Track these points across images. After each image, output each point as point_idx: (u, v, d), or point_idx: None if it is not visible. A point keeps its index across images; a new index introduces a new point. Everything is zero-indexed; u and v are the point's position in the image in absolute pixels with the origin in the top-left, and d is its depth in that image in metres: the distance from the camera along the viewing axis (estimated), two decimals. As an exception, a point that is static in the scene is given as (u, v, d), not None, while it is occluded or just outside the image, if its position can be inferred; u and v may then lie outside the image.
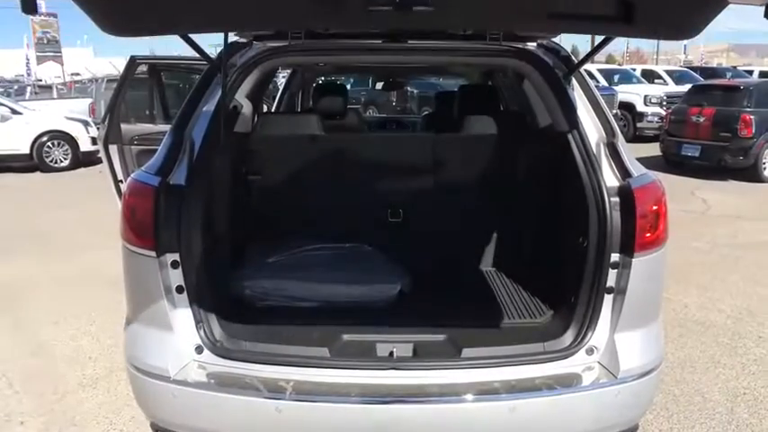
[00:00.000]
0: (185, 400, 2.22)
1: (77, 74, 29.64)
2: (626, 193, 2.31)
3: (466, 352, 2.32)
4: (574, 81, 2.60)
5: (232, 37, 2.51)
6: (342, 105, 4.16)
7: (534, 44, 2.71)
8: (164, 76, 5.73)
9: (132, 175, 2.43)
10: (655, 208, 2.30)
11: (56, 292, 5.21)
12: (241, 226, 2.97)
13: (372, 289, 2.70)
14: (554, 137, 2.68)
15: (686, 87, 13.55)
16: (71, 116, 12.94)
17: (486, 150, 3.10)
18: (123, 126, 5.13)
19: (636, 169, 2.39)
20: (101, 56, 45.64)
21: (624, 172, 2.38)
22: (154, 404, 2.32)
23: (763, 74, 20.63)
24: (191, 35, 2.25)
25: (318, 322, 2.58)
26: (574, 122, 2.51)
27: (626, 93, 15.39)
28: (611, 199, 2.32)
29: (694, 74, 18.73)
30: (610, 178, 2.38)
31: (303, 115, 3.05)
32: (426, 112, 5.60)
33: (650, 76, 18.24)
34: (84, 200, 8.99)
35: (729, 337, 4.33)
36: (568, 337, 2.36)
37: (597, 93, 2.62)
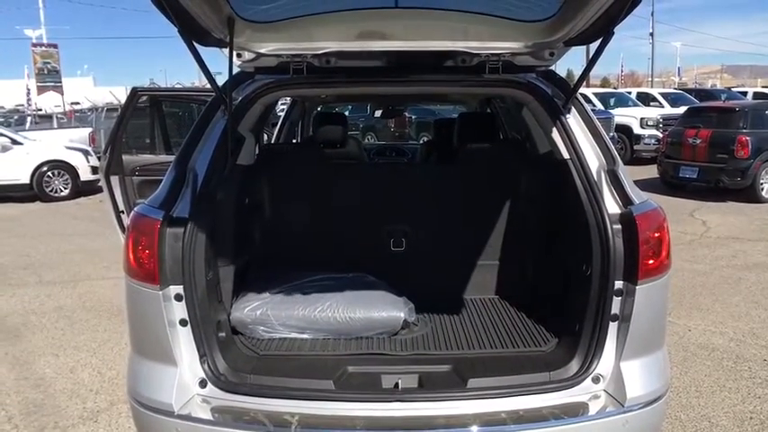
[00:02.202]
0: (189, 436, 2.20)
1: (77, 103, 29.88)
2: (628, 220, 2.32)
3: (472, 382, 2.30)
4: (573, 109, 2.63)
5: (235, 68, 2.55)
6: (341, 134, 4.26)
7: (533, 74, 2.74)
8: (164, 105, 5.79)
9: (136, 209, 2.44)
10: (657, 235, 2.32)
11: (56, 324, 5.19)
12: (244, 257, 2.97)
13: (376, 319, 2.70)
14: (555, 164, 2.70)
15: (682, 109, 13.68)
16: (71, 145, 13.02)
17: (487, 179, 3.13)
18: (125, 157, 5.16)
19: (636, 196, 2.41)
20: (101, 85, 46.13)
21: (625, 199, 2.39)
22: (157, 440, 2.30)
23: (757, 95, 20.87)
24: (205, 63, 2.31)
25: (322, 354, 2.57)
26: (574, 150, 2.53)
27: (622, 116, 15.54)
28: (614, 226, 2.33)
29: (689, 96, 18.91)
30: (611, 205, 2.39)
31: (304, 147, 3.10)
32: (425, 139, 5.66)
33: (646, 99, 18.42)
34: (85, 230, 9.01)
35: (734, 360, 4.31)
36: (574, 366, 2.35)
37: (596, 120, 2.64)
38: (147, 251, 2.28)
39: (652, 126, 15.30)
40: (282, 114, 5.80)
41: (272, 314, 2.70)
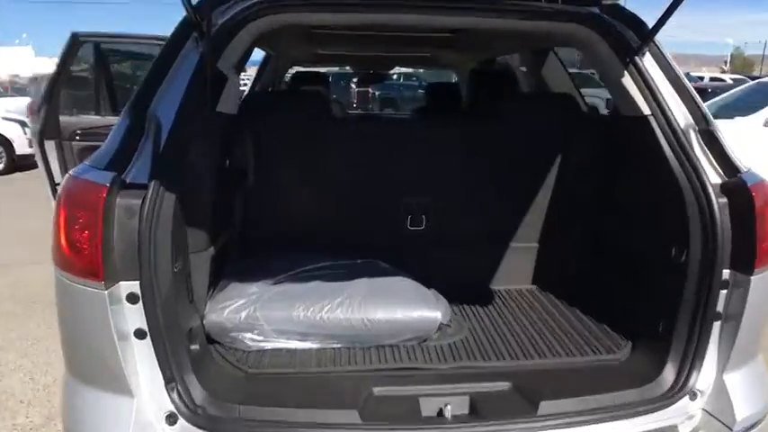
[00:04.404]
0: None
1: (16, 75, 27.96)
2: (739, 192, 1.81)
3: (545, 406, 1.75)
4: (649, 55, 2.04)
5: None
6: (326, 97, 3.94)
7: (596, 9, 2.14)
8: (112, 62, 4.92)
9: (71, 172, 1.72)
10: None
11: (-21, 318, 4.34)
12: (224, 239, 2.26)
13: (403, 322, 2.05)
14: (627, 122, 2.14)
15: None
16: (7, 115, 11.82)
17: (531, 140, 2.50)
18: (63, 118, 4.31)
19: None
20: (42, 55, 43.39)
21: (729, 166, 1.90)
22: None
23: (713, 79, 21.32)
24: None
25: (335, 371, 1.91)
26: (657, 104, 1.99)
27: (590, 96, 15.30)
28: (720, 200, 1.82)
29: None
30: (710, 174, 1.89)
31: (304, 95, 2.38)
32: (420, 106, 4.98)
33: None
34: (17, 209, 8.10)
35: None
36: (667, 379, 1.89)
37: (679, 70, 2.08)
38: (85, 232, 1.57)
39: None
40: (250, 81, 4.99)
41: (263, 316, 2.01)
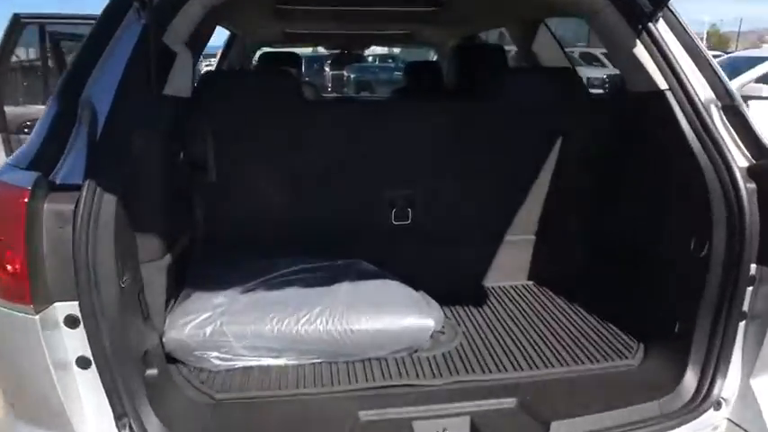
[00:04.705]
0: None
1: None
2: None
3: (556, 428, 1.52)
4: (663, 21, 1.81)
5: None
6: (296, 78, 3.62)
7: None
8: (63, 47, 4.51)
9: None
10: None
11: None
12: (181, 243, 1.98)
13: (392, 331, 1.80)
14: (636, 99, 1.91)
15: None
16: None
17: (526, 121, 2.25)
18: (9, 109, 3.93)
19: None
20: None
21: (757, 147, 1.68)
22: None
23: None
24: None
25: (316, 393, 1.67)
26: (676, 76, 1.75)
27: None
28: (748, 185, 1.60)
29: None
30: (737, 156, 1.66)
31: (270, 73, 2.06)
32: (400, 87, 4.67)
33: (589, 59, 18.16)
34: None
35: None
36: (689, 387, 1.68)
37: (698, 39, 1.84)
38: (9, 245, 1.29)
39: (598, 86, 15.01)
40: (215, 61, 4.63)
41: (231, 331, 1.75)
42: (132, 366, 1.45)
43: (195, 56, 2.46)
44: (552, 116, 2.25)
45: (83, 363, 1.37)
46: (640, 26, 1.79)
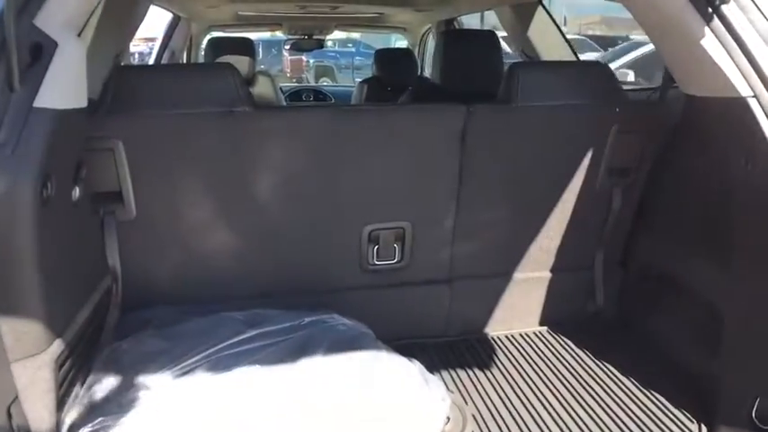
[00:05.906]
0: None
1: None
2: None
3: None
4: (733, 3, 1.33)
5: None
6: (248, 68, 3.35)
7: None
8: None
9: None
10: None
11: None
12: (88, 315, 1.39)
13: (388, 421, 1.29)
14: (699, 107, 1.45)
15: (588, 56, 13.23)
16: None
17: (551, 131, 1.75)
18: None
19: None
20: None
21: None
22: None
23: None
24: None
25: None
26: (762, 78, 1.29)
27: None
28: None
29: (593, 43, 18.68)
30: None
31: (216, 69, 1.50)
32: (366, 78, 4.09)
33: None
34: None
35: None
36: None
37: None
38: None
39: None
40: (155, 48, 3.92)
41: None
42: None
43: (110, 47, 1.87)
44: (576, 124, 1.76)
45: None
46: (711, 9, 1.32)
